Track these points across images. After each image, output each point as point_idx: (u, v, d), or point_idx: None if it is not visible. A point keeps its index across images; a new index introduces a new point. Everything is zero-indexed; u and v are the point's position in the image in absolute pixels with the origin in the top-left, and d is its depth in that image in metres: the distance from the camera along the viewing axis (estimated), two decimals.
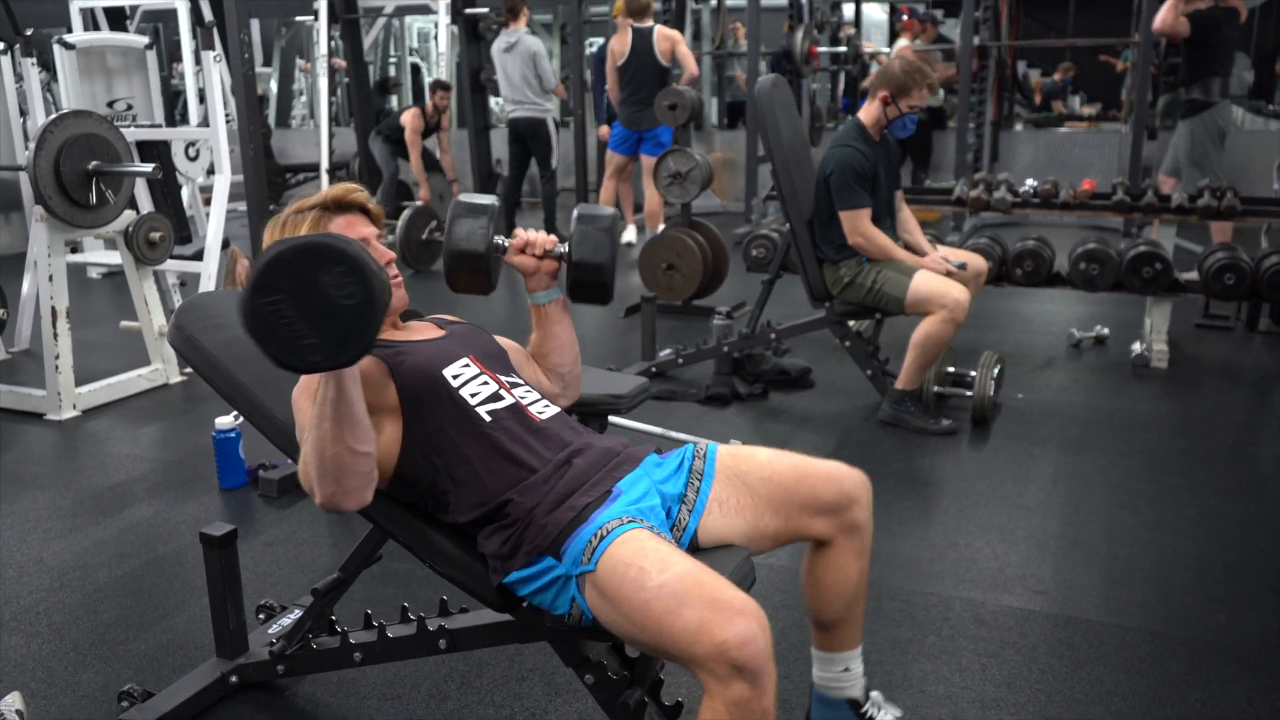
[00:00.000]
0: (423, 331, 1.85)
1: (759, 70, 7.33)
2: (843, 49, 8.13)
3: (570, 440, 1.69)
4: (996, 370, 3.60)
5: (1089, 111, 10.82)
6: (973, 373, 3.64)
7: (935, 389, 3.61)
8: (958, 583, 2.52)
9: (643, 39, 6.12)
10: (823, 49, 7.83)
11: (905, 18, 6.68)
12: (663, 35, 6.13)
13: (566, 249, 1.82)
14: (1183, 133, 5.44)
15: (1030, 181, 4.63)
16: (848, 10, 9.96)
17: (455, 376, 1.69)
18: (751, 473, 1.68)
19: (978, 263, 3.75)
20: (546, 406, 1.74)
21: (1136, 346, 4.23)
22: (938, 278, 3.46)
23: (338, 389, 1.42)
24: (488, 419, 1.65)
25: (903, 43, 7.30)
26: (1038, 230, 4.95)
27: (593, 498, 1.57)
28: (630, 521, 1.50)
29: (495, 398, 1.69)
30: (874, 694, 1.86)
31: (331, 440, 1.44)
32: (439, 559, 1.71)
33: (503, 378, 1.75)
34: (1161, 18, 5.24)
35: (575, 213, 1.86)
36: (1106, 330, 4.54)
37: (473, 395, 1.67)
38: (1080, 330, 4.53)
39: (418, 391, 1.65)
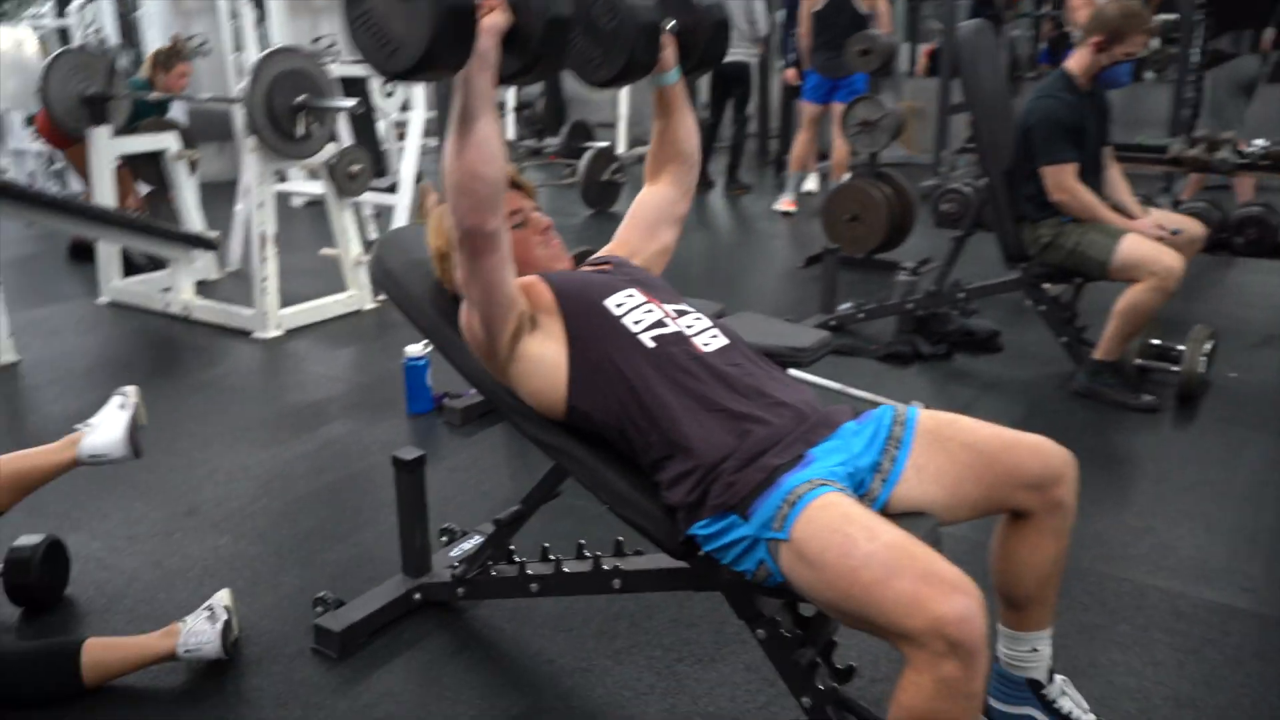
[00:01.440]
0: (588, 268, 1.86)
1: (956, 16, 6.96)
2: None
3: (751, 384, 1.64)
4: (1208, 346, 3.33)
5: None
6: (1180, 346, 3.38)
7: (1137, 361, 3.38)
8: (1155, 570, 2.36)
9: None
10: None
11: None
12: None
13: (673, 23, 1.82)
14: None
15: (1259, 141, 4.23)
16: None
17: (619, 305, 1.68)
18: (953, 438, 1.61)
19: (1194, 228, 3.47)
20: (714, 337, 1.70)
21: None
22: (1148, 242, 3.21)
23: (462, 101, 1.46)
24: (651, 344, 1.63)
25: None
26: (1262, 196, 4.53)
27: (784, 460, 1.53)
28: (822, 484, 1.46)
29: (659, 324, 1.67)
30: (1059, 678, 1.77)
31: (455, 157, 1.48)
32: (618, 501, 1.70)
33: (668, 305, 1.72)
34: None
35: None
36: None
37: (636, 323, 1.66)
38: None
39: (581, 317, 1.65)
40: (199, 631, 1.99)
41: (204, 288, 4.73)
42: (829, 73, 5.92)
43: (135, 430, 2.14)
